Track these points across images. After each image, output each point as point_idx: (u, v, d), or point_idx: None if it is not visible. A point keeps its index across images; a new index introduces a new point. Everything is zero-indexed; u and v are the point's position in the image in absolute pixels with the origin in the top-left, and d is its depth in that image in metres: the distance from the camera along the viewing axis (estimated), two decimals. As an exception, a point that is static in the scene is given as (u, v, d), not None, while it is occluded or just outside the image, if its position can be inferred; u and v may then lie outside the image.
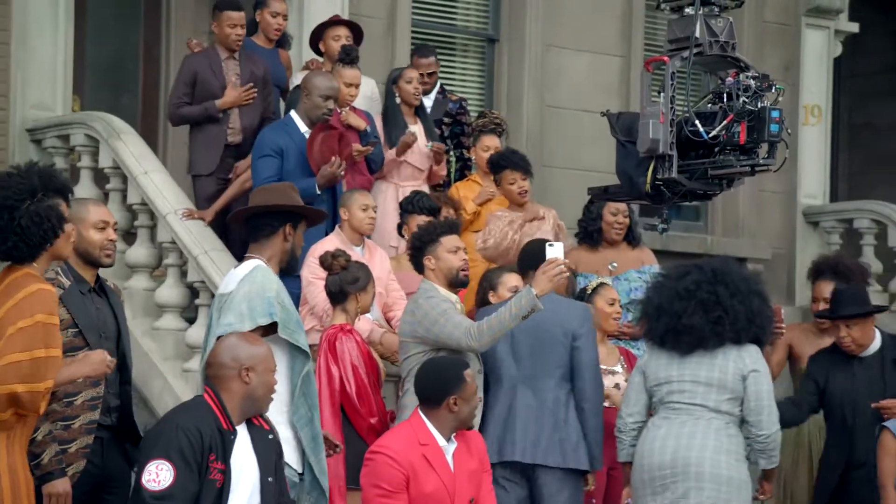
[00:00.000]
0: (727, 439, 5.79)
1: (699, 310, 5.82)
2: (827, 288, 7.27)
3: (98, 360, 4.94)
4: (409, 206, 7.46)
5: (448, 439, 5.50)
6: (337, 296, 6.44)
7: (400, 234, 7.64)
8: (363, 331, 6.75)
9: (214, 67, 8.05)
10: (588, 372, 6.21)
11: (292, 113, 7.70)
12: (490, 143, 8.42)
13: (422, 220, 7.28)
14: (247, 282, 5.36)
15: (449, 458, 5.47)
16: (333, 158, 7.38)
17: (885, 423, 6.51)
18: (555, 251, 5.79)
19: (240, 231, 7.73)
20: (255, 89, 7.88)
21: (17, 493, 4.77)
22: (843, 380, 6.89)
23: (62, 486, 5.15)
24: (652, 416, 5.99)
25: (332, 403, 6.18)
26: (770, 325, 5.97)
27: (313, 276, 6.86)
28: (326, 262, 6.47)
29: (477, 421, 6.04)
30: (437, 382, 5.50)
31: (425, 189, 8.31)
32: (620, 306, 7.20)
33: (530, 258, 6.29)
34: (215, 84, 8.01)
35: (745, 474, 5.83)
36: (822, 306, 7.24)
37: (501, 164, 8.05)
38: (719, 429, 5.79)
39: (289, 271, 5.56)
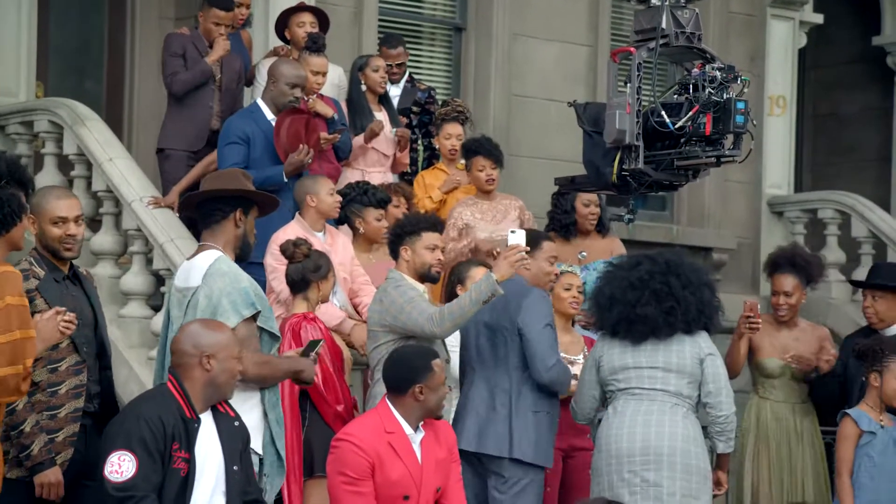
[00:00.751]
0: (692, 427, 5.88)
1: (652, 300, 5.92)
2: (786, 281, 7.28)
3: (48, 325, 4.85)
4: (362, 199, 7.42)
5: (415, 428, 5.50)
6: (299, 284, 6.43)
7: (339, 223, 7.56)
8: (333, 318, 6.75)
9: (200, 48, 8.03)
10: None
11: (258, 100, 7.68)
12: (452, 131, 8.42)
13: (377, 213, 7.29)
14: (215, 276, 5.31)
15: (416, 446, 5.48)
16: (301, 146, 7.36)
17: (846, 410, 6.57)
18: (516, 237, 5.85)
19: (191, 217, 7.75)
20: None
21: None
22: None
23: (53, 475, 5.16)
24: (611, 403, 6.04)
25: (291, 393, 6.18)
26: (717, 316, 6.04)
27: (278, 262, 6.85)
28: (288, 250, 6.46)
29: (448, 410, 6.06)
30: (404, 370, 5.51)
31: (390, 177, 8.31)
32: (583, 294, 7.23)
33: None
34: (202, 61, 7.99)
35: (709, 463, 5.90)
36: (783, 300, 7.26)
37: (473, 149, 8.06)
38: (685, 416, 5.87)
39: (242, 258, 5.51)
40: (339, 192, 7.36)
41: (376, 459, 5.36)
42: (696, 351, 5.91)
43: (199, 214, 5.54)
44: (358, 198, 7.39)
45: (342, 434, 5.49)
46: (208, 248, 5.47)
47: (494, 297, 5.82)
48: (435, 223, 6.30)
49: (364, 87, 8.38)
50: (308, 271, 6.40)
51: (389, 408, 5.49)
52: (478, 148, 8.04)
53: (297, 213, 7.25)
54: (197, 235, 7.60)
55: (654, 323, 5.91)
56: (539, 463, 6.17)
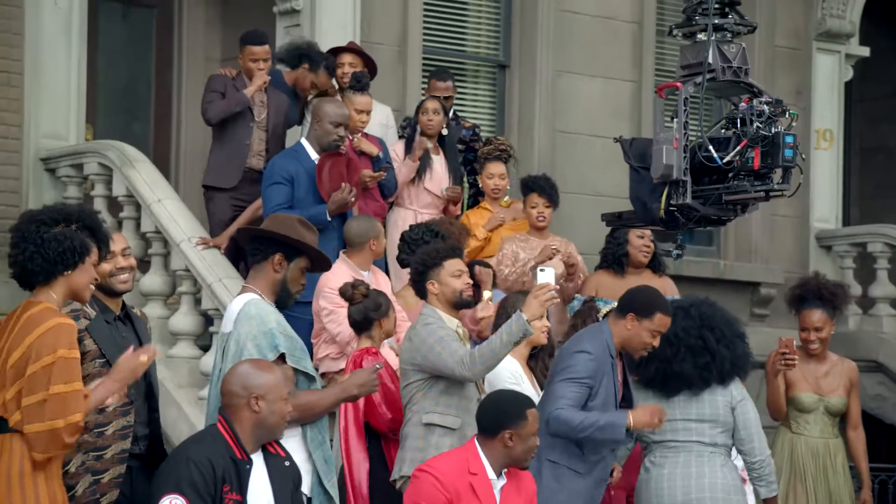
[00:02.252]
0: (730, 475, 5.88)
1: (688, 355, 5.92)
2: (815, 315, 7.22)
3: (128, 363, 4.81)
4: (419, 240, 7.40)
5: (498, 474, 5.43)
6: (361, 324, 6.45)
7: (403, 266, 7.54)
8: (395, 366, 6.72)
9: (240, 88, 8.10)
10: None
11: (303, 140, 7.72)
12: (495, 171, 8.42)
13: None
14: (243, 321, 5.27)
15: (496, 491, 5.41)
16: (343, 184, 7.38)
17: None
18: (546, 276, 5.77)
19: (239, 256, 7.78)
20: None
21: None
22: None
23: None
24: (648, 456, 6.04)
25: (357, 422, 6.17)
26: (749, 365, 6.01)
27: (333, 305, 6.84)
28: (347, 293, 6.46)
29: None
30: (496, 414, 5.44)
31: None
32: None
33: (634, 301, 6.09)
34: (240, 92, 8.04)
35: None
36: (814, 335, 7.20)
37: (529, 186, 8.10)
38: (723, 464, 5.88)
39: (279, 305, 5.41)
40: (406, 236, 7.35)
41: (454, 496, 5.31)
42: (727, 399, 5.93)
43: (248, 255, 5.55)
44: (422, 241, 7.33)
45: (425, 466, 5.44)
46: (247, 290, 5.43)
47: (526, 337, 5.75)
48: (454, 249, 6.20)
49: (419, 130, 8.42)
50: (369, 311, 6.41)
51: (477, 449, 5.43)
52: (533, 185, 8.08)
53: (341, 253, 7.26)
54: (244, 272, 7.68)
55: (690, 379, 5.92)
56: None
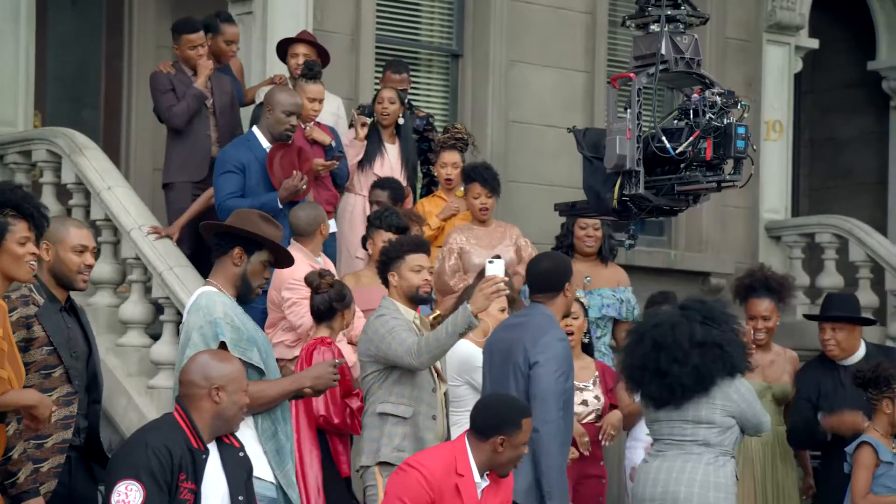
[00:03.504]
0: (715, 472, 5.90)
1: (654, 378, 5.95)
2: (763, 305, 7.29)
3: (46, 406, 4.82)
4: (376, 222, 7.44)
5: (482, 475, 5.40)
6: (324, 314, 6.44)
7: (364, 247, 7.62)
8: (349, 359, 6.70)
9: (185, 81, 8.02)
10: (537, 400, 5.92)
11: (254, 128, 7.68)
12: (448, 160, 8.41)
13: (387, 236, 7.27)
14: (193, 311, 5.31)
15: (479, 493, 5.39)
16: (295, 172, 7.36)
17: (866, 439, 6.54)
18: (494, 268, 5.78)
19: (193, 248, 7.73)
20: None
21: None
22: (832, 388, 6.99)
23: None
24: (650, 449, 6.17)
25: (308, 415, 6.15)
26: (741, 362, 6.03)
27: (298, 296, 6.83)
28: (315, 282, 6.46)
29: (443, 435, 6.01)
30: (493, 417, 5.39)
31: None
32: (588, 320, 7.20)
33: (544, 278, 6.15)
34: (191, 86, 7.97)
35: None
36: (761, 324, 7.27)
37: (471, 176, 8.07)
38: (709, 462, 5.91)
39: (240, 300, 5.39)
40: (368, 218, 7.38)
41: (439, 498, 5.27)
42: (726, 405, 5.93)
43: (211, 247, 5.53)
44: (374, 221, 7.40)
45: (414, 461, 5.39)
46: (208, 283, 5.45)
47: (471, 328, 5.79)
48: (419, 244, 6.25)
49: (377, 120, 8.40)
50: (334, 301, 6.41)
51: (466, 449, 5.38)
52: (474, 175, 8.05)
53: (293, 241, 7.24)
54: (197, 265, 7.64)
55: (661, 399, 5.97)
56: None
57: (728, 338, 5.94)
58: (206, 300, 5.31)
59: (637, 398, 6.40)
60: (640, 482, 6.01)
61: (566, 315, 6.42)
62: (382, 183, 8.10)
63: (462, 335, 5.82)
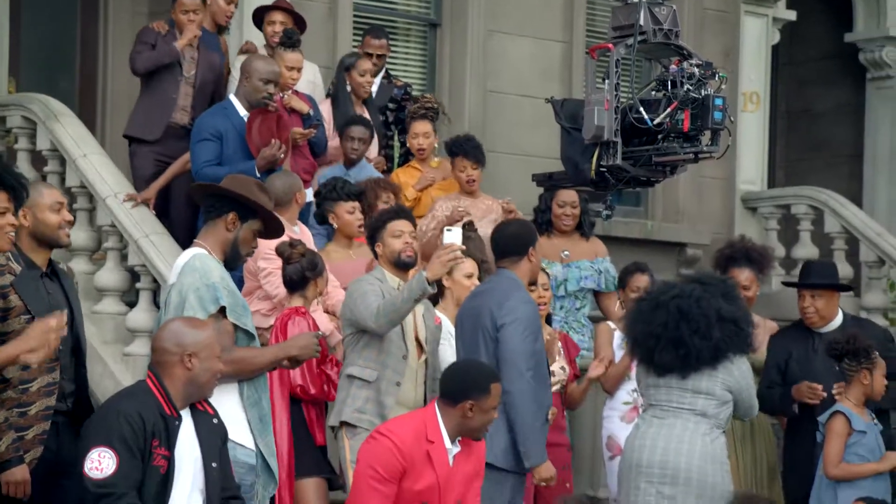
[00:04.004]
0: (712, 444, 5.96)
1: (669, 347, 5.97)
2: (743, 275, 7.32)
3: (39, 330, 4.74)
4: (332, 195, 7.38)
5: (453, 441, 5.44)
6: (297, 283, 6.45)
7: (320, 222, 7.55)
8: (324, 328, 6.72)
9: (169, 45, 7.98)
10: (506, 362, 5.99)
11: (231, 96, 7.65)
12: (419, 130, 8.38)
13: (348, 206, 7.27)
14: (187, 272, 5.29)
15: (450, 459, 5.44)
16: (273, 140, 7.34)
17: (839, 408, 6.59)
18: (452, 237, 5.83)
19: (183, 212, 7.71)
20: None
21: None
22: (804, 355, 7.03)
23: (21, 473, 5.10)
24: (641, 415, 6.16)
25: (282, 383, 6.18)
26: (746, 343, 6.06)
27: (273, 266, 6.83)
28: (285, 252, 6.46)
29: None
30: (461, 382, 5.43)
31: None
32: (567, 292, 7.24)
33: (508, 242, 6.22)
34: (171, 44, 7.93)
35: (728, 481, 5.99)
36: (741, 293, 7.29)
37: (454, 150, 8.07)
38: (705, 433, 5.95)
39: (227, 265, 5.42)
40: (315, 193, 7.34)
41: (410, 465, 5.32)
42: (727, 379, 5.98)
43: (203, 210, 5.51)
44: (329, 194, 7.37)
45: (385, 429, 5.43)
46: (197, 245, 5.44)
47: (425, 295, 5.84)
48: (398, 211, 6.32)
49: (349, 88, 8.35)
50: (306, 270, 6.42)
51: (437, 415, 5.42)
52: (458, 149, 8.06)
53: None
54: (172, 232, 7.62)
55: (673, 368, 6.00)
56: (510, 468, 6.01)
57: (744, 316, 6.01)
58: (201, 263, 5.30)
59: (634, 363, 6.41)
60: (635, 448, 5.99)
61: (533, 282, 6.44)
62: (355, 119, 8.06)
63: (417, 301, 5.88)
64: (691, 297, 5.99)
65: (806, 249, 10.72)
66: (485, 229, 7.62)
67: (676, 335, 5.95)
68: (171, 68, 7.95)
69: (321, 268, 6.49)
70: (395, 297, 5.88)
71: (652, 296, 6.19)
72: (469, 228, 7.31)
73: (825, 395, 6.74)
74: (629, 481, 5.98)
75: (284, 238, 6.57)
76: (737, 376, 5.97)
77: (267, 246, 6.79)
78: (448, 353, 6.38)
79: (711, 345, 5.94)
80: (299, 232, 7.19)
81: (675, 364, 5.96)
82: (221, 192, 5.41)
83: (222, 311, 5.30)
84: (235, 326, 5.36)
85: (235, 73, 8.03)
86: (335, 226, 7.39)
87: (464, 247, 5.89)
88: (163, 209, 7.81)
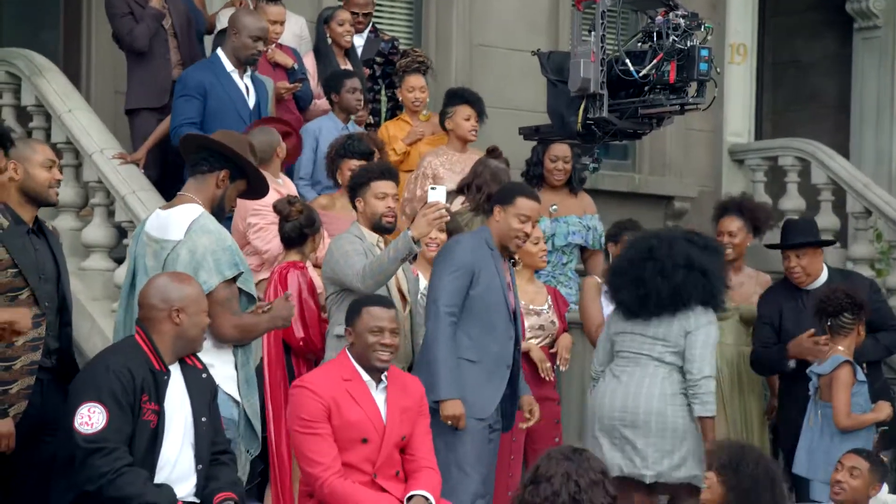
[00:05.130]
0: (670, 387, 6.10)
1: (630, 286, 6.11)
2: (731, 222, 7.36)
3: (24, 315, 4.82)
4: (342, 150, 7.37)
5: (370, 376, 5.52)
6: (295, 240, 6.47)
7: (333, 177, 7.55)
8: (320, 286, 6.72)
9: (140, 1, 7.90)
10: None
11: (219, 51, 7.59)
12: (415, 83, 8.37)
13: (355, 163, 7.24)
14: (200, 233, 5.24)
15: (375, 392, 5.52)
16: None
17: (845, 359, 6.62)
18: (436, 194, 5.82)
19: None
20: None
21: None
22: (793, 313, 7.06)
23: (5, 426, 5.12)
24: (609, 366, 6.30)
25: (276, 341, 6.21)
26: (715, 297, 6.14)
27: (265, 221, 6.82)
28: (284, 209, 6.47)
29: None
30: (348, 313, 5.61)
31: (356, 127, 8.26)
32: (555, 247, 7.25)
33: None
34: (147, 6, 7.86)
35: (689, 421, 6.02)
36: (727, 239, 7.33)
37: (456, 99, 7.99)
38: (664, 377, 6.08)
39: None
40: (328, 148, 7.35)
41: (332, 403, 5.42)
42: (682, 325, 6.12)
43: (190, 161, 5.47)
44: (340, 150, 7.35)
45: (298, 381, 5.56)
46: (188, 199, 5.38)
47: (412, 254, 5.83)
48: (385, 171, 6.25)
49: (329, 41, 8.31)
50: (304, 227, 6.44)
51: (348, 356, 5.56)
52: (459, 99, 8.00)
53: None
54: (161, 190, 7.59)
55: (630, 307, 6.12)
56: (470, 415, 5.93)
57: (715, 271, 6.05)
58: (213, 224, 5.30)
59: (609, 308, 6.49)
60: (597, 394, 6.18)
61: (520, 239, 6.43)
62: (348, 73, 8.03)
63: (404, 260, 5.87)
64: (665, 240, 6.04)
65: (793, 201, 10.74)
66: (430, 185, 7.61)
67: (640, 273, 6.02)
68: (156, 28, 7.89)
69: (318, 224, 6.52)
70: (381, 258, 5.86)
71: (634, 239, 6.26)
72: (494, 154, 7.30)
73: (828, 347, 6.78)
74: (594, 425, 6.17)
75: (279, 191, 6.58)
76: (692, 326, 6.04)
77: (256, 203, 6.79)
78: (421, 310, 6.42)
79: (671, 286, 6.00)
80: (283, 183, 7.18)
81: (635, 303, 6.03)
82: (217, 148, 5.39)
83: (236, 277, 5.31)
84: (240, 290, 5.37)
85: (220, 27, 7.98)
86: (340, 182, 7.38)
87: (448, 205, 5.88)
88: (161, 169, 7.73)
